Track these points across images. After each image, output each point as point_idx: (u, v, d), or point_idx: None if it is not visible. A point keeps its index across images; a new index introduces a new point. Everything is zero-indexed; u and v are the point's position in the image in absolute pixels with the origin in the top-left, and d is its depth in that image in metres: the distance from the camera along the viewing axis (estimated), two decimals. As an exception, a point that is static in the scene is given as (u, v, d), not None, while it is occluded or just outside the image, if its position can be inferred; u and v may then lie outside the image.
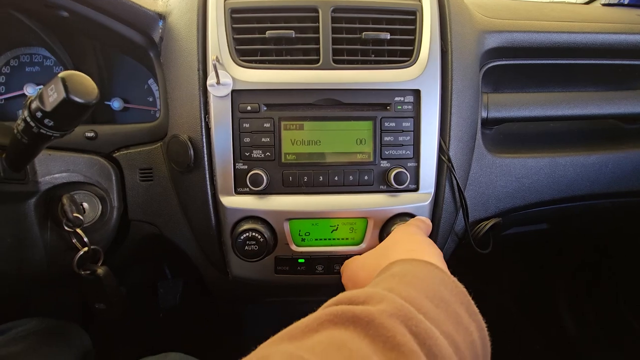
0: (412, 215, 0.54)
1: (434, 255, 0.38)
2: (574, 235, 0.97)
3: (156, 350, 0.55)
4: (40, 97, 0.36)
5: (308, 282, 0.57)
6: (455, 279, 0.33)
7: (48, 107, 0.35)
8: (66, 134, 0.39)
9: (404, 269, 0.34)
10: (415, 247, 0.40)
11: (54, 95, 0.35)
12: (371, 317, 0.25)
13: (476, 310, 0.31)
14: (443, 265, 0.38)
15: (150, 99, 0.72)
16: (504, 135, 0.66)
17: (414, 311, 0.27)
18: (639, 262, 0.97)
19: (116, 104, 0.71)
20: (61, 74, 0.35)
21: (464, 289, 0.32)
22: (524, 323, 1.15)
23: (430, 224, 0.51)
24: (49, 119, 0.36)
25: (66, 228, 0.50)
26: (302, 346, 0.24)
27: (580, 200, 0.65)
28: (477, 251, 0.60)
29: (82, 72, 0.72)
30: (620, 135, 0.69)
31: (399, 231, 0.47)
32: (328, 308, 0.27)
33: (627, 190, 0.65)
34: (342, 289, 0.60)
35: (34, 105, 0.36)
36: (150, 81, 0.71)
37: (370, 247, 0.54)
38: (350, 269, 0.47)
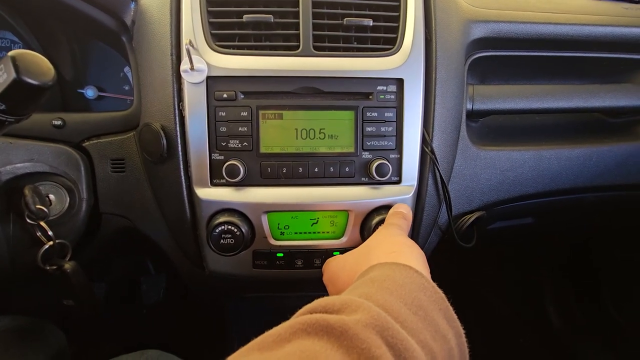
0: (394, 209, 0.52)
1: (416, 258, 0.37)
2: (559, 229, 0.97)
3: (139, 347, 0.53)
4: (-11, 77, 0.33)
5: (288, 277, 0.55)
6: (434, 285, 0.32)
7: (-2, 89, 0.32)
8: (22, 119, 0.37)
9: (383, 274, 0.33)
10: (396, 248, 0.39)
11: (3, 76, 0.32)
12: (345, 328, 0.24)
13: (454, 316, 0.31)
14: (424, 268, 0.37)
15: (126, 88, 0.69)
16: (489, 128, 0.65)
17: (390, 320, 0.26)
18: (623, 255, 0.98)
19: (90, 92, 0.68)
20: (11, 53, 0.32)
21: (443, 295, 0.32)
22: (509, 316, 1.16)
23: (411, 215, 0.50)
24: (0, 102, 0.33)
25: (29, 221, 0.47)
26: (272, 357, 0.23)
27: (564, 194, 0.64)
28: (460, 245, 0.59)
29: (53, 58, 0.68)
30: (605, 129, 0.68)
31: (380, 232, 0.46)
32: (302, 316, 0.26)
33: (610, 184, 0.65)
34: (322, 283, 0.58)
35: (-18, 87, 0.33)
36: (126, 69, 0.68)
37: (351, 241, 0.53)
38: (330, 270, 0.46)
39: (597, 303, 1.02)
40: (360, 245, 0.45)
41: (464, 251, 0.60)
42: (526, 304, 1.16)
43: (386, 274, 0.32)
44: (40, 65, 0.33)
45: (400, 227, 0.46)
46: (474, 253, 0.61)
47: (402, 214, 0.48)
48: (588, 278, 1.05)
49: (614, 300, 0.99)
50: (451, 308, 0.31)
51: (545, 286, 1.13)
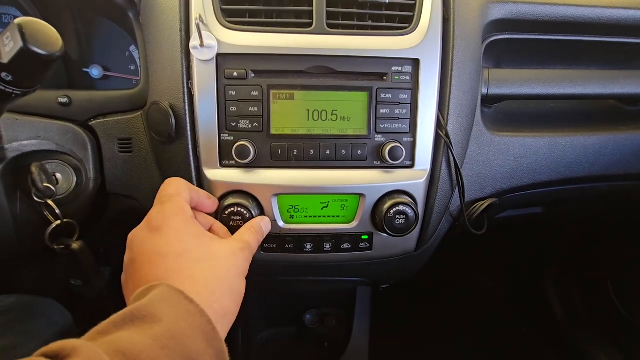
0: (406, 193, 0.51)
1: (205, 274, 0.37)
2: (567, 220, 0.96)
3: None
4: (-5, 46, 0.32)
5: (296, 260, 0.54)
6: (201, 309, 0.33)
7: (4, 59, 0.31)
8: (29, 92, 0.35)
9: (147, 303, 0.32)
10: (190, 263, 0.37)
11: (10, 45, 0.31)
12: None
13: (217, 336, 0.32)
14: (222, 283, 0.37)
15: (132, 67, 0.68)
16: (503, 114, 0.64)
17: None
18: (626, 246, 0.97)
19: (95, 71, 0.66)
20: (17, 20, 0.31)
21: (208, 318, 0.32)
22: (510, 306, 1.16)
23: (265, 229, 0.47)
24: (7, 72, 0.32)
25: (36, 199, 0.46)
26: None
27: (578, 183, 0.63)
28: (471, 232, 0.58)
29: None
30: (621, 117, 0.67)
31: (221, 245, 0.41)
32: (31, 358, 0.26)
33: (626, 173, 0.63)
34: (331, 268, 0.57)
35: (-12, 57, 0.32)
36: (132, 48, 0.67)
37: (362, 225, 0.52)
38: (134, 251, 0.41)
39: (601, 295, 1.01)
40: (148, 244, 0.39)
41: (465, 240, 0.60)
42: (528, 293, 1.15)
43: (150, 301, 0.32)
44: (48, 35, 0.32)
45: (249, 244, 0.42)
46: (475, 241, 0.61)
47: (257, 228, 0.46)
48: (593, 270, 1.05)
49: (619, 293, 0.98)
50: (215, 329, 0.33)
51: (548, 277, 1.12)
